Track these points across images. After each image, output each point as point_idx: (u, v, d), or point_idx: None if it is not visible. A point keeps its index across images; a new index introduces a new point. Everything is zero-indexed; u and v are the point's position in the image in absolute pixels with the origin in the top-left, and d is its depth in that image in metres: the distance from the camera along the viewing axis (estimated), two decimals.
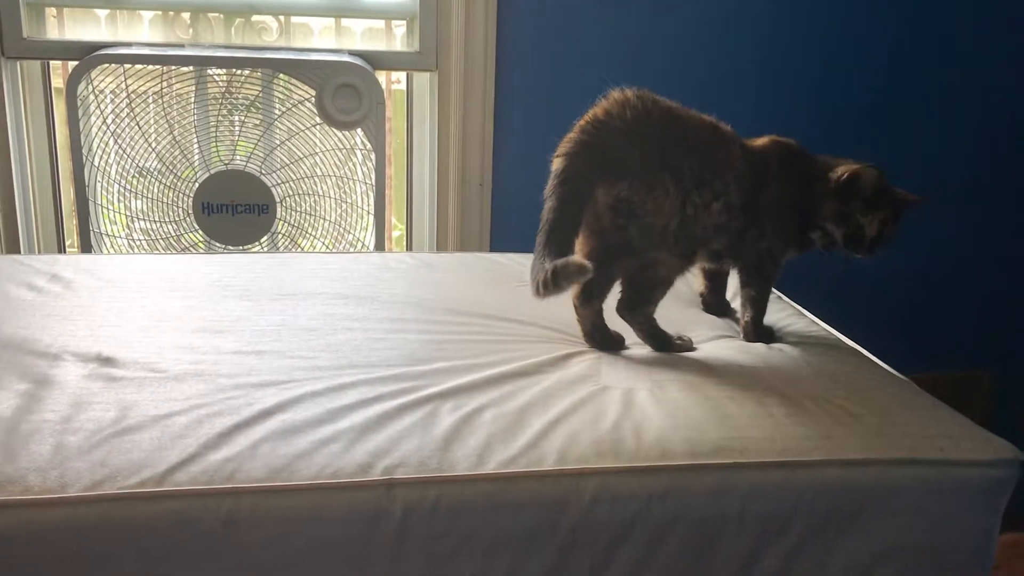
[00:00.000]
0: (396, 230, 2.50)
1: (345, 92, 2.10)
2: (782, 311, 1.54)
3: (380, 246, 2.25)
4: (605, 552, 1.02)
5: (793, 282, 1.56)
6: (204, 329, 1.33)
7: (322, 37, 2.28)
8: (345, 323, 1.39)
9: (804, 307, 1.60)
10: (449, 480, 1.00)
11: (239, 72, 2.08)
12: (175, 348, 1.26)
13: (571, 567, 1.02)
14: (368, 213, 2.23)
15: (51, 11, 2.15)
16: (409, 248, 2.43)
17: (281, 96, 2.11)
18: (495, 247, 2.29)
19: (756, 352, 1.34)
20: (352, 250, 2.22)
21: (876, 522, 1.07)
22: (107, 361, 1.20)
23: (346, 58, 2.16)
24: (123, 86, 2.06)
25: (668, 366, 1.28)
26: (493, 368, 1.23)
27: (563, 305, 1.32)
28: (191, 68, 2.06)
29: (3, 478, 0.95)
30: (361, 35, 2.30)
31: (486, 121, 2.22)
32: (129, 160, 2.11)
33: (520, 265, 1.72)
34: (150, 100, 2.09)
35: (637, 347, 1.35)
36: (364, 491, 0.98)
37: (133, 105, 2.07)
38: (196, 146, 2.11)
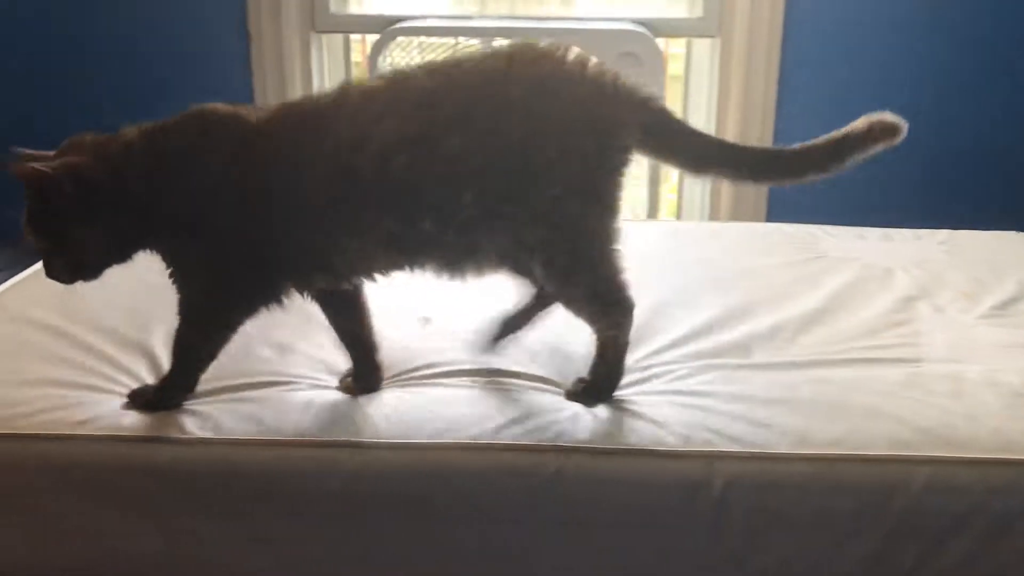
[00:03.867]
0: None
1: (626, 60, 2.10)
2: None
3: (652, 213, 2.25)
4: (935, 543, 0.97)
5: None
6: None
7: (603, 5, 2.30)
8: (642, 291, 1.40)
9: None
10: (771, 457, 0.99)
11: None
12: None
13: (896, 555, 0.98)
14: (640, 180, 2.24)
15: None
16: (679, 216, 2.42)
17: None
18: (772, 217, 2.22)
19: None
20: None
21: None
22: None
23: (628, 26, 2.16)
24: (417, 58, 2.16)
25: (1000, 345, 1.20)
26: (805, 345, 1.20)
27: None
28: (479, 40, 2.13)
29: (351, 424, 1.04)
30: (643, 2, 2.29)
31: (768, 88, 2.15)
32: None
33: (811, 236, 1.66)
34: None
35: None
36: (686, 461, 0.99)
37: None
38: None
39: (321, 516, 1.01)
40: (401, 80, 1.02)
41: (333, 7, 2.24)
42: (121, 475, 0.99)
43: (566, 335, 1.18)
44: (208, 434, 1.01)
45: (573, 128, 1.00)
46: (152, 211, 0.99)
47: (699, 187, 2.34)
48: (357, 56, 2.40)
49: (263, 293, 1.04)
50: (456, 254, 1.03)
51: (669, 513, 0.99)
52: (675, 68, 2.34)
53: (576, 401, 1.07)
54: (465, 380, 1.11)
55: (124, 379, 1.11)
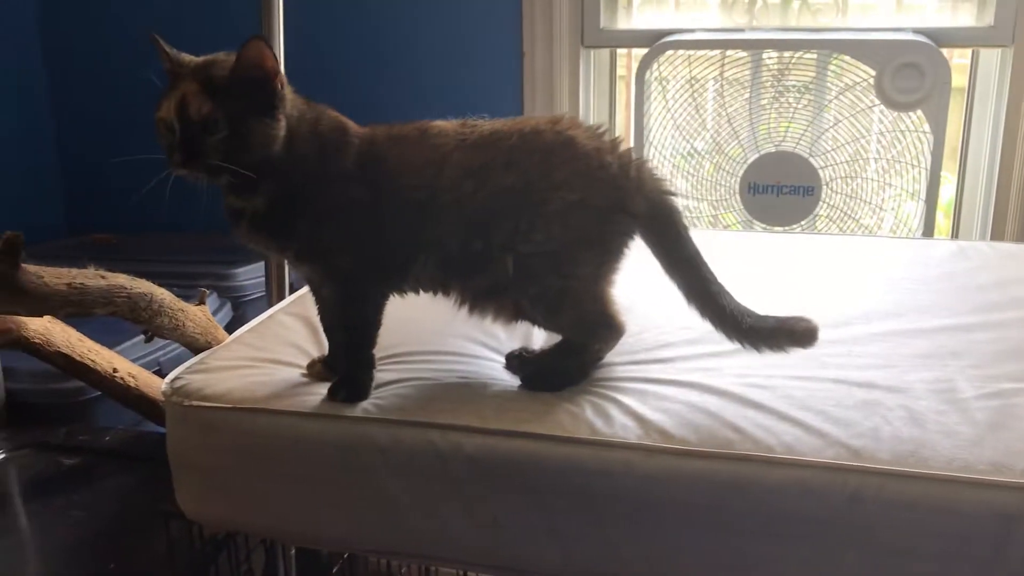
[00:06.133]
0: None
1: (907, 72, 2.02)
2: None
3: (928, 232, 2.14)
4: None
5: None
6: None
7: (881, 15, 2.21)
8: (932, 316, 1.34)
9: None
10: None
11: (794, 54, 2.10)
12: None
13: None
14: (914, 197, 2.13)
15: (623, 1, 2.34)
16: (955, 235, 2.28)
17: (834, 75, 2.09)
18: None
19: None
20: (893, 235, 2.15)
21: None
22: None
23: (909, 36, 2.07)
24: (684, 71, 2.18)
25: None
26: None
27: None
28: (748, 53, 2.12)
29: (644, 426, 1.06)
30: (924, 11, 2.19)
31: None
32: (683, 141, 2.24)
33: None
34: (706, 83, 2.19)
35: None
36: (1000, 491, 0.94)
37: (693, 89, 2.18)
38: (748, 127, 2.17)
39: (611, 516, 1.04)
40: (469, 124, 1.15)
41: (603, 22, 2.30)
42: (432, 460, 1.06)
43: None
44: (508, 426, 1.07)
45: (593, 184, 1.11)
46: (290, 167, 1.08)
47: (979, 203, 2.21)
48: (622, 70, 2.45)
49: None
50: (486, 285, 1.13)
51: (978, 546, 0.94)
52: (957, 79, 2.21)
53: (531, 387, 1.14)
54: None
55: (433, 366, 1.19)
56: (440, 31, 2.39)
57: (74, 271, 1.05)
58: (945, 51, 2.08)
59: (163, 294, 1.19)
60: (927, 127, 2.05)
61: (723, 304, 1.14)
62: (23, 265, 0.99)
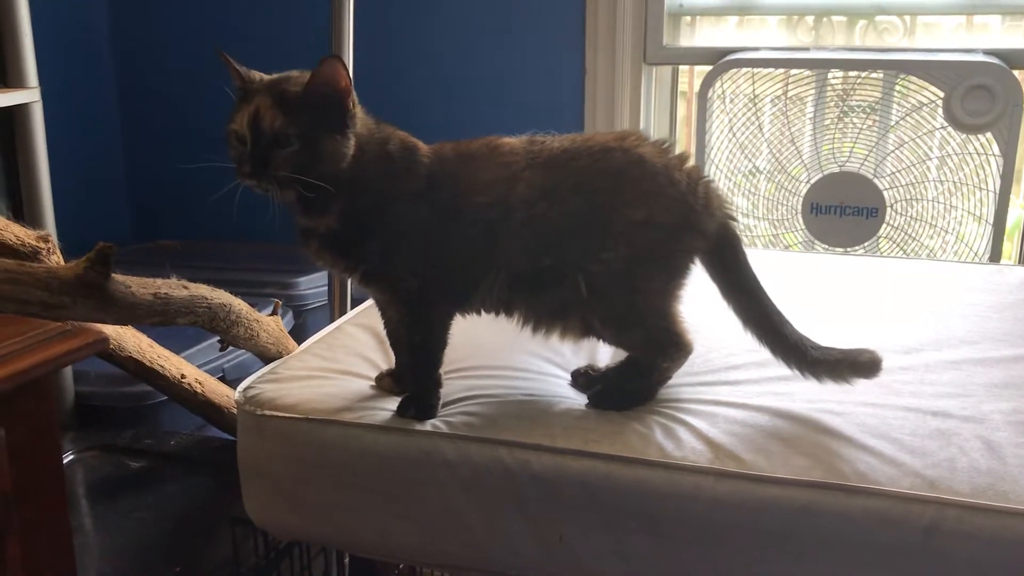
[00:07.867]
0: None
1: (977, 93, 1.98)
2: None
3: (995, 256, 2.10)
4: None
5: None
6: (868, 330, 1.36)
7: (950, 35, 2.18)
8: (1007, 344, 1.32)
9: None
10: None
11: (860, 74, 2.07)
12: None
13: None
14: (979, 220, 2.10)
15: (686, 19, 2.34)
16: (1022, 260, 2.24)
17: (900, 96, 2.06)
18: None
19: None
20: (959, 259, 2.11)
21: None
22: None
23: (980, 57, 2.04)
24: (747, 89, 2.17)
25: None
26: None
27: None
28: (812, 72, 2.10)
29: (717, 449, 1.06)
30: (995, 31, 2.15)
31: None
32: (744, 159, 2.22)
33: None
34: (769, 102, 2.18)
35: None
36: None
37: (756, 107, 2.17)
38: (812, 147, 2.15)
39: (679, 538, 1.04)
40: (537, 140, 1.16)
41: (666, 39, 2.30)
42: (500, 476, 1.07)
43: None
44: (577, 446, 1.07)
45: (663, 202, 1.11)
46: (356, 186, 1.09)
47: None
48: (682, 86, 2.45)
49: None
50: (554, 303, 1.13)
51: None
52: None
53: (598, 406, 1.14)
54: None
55: (499, 382, 1.20)
56: (503, 47, 2.41)
57: (159, 281, 1.08)
58: (1017, 73, 2.05)
59: (240, 305, 1.21)
60: (996, 149, 2.01)
61: (786, 334, 1.14)
62: (112, 275, 1.02)
